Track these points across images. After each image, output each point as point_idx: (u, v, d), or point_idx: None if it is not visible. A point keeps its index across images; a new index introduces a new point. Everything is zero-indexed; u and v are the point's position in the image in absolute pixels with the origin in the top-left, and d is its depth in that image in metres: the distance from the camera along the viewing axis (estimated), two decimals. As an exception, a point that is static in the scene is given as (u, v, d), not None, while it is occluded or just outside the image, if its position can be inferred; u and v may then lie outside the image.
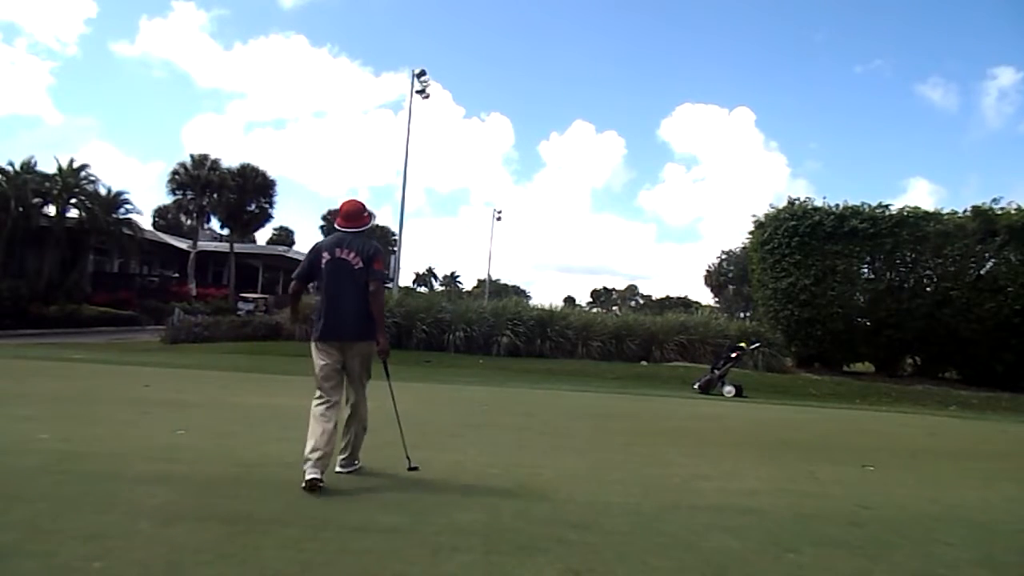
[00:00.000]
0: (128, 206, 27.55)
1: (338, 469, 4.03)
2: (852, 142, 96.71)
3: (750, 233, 19.06)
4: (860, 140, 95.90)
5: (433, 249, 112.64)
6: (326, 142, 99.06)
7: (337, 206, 5.56)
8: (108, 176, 70.85)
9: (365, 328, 3.89)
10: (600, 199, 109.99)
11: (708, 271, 59.22)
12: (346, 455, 4.07)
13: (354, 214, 4.04)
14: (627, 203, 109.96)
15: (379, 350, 3.99)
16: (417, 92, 24.62)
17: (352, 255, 3.89)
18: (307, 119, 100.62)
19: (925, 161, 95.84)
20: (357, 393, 4.02)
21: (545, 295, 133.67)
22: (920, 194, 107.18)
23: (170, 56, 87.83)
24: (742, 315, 37.38)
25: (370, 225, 4.08)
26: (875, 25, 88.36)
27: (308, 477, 3.58)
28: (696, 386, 12.49)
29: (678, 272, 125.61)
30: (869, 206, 16.86)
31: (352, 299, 3.87)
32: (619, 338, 16.69)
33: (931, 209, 16.84)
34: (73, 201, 25.74)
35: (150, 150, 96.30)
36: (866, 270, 17.03)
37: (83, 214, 25.82)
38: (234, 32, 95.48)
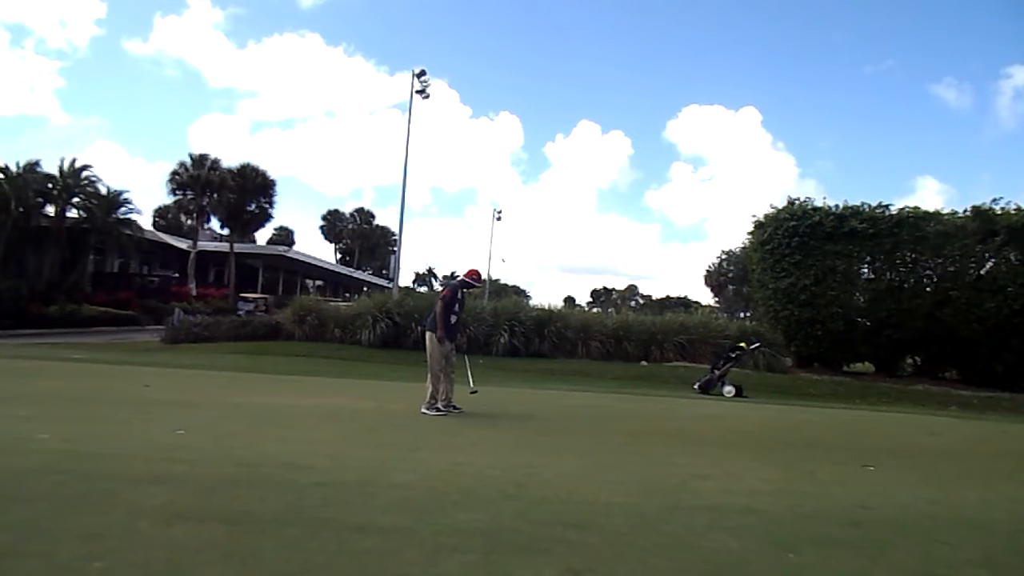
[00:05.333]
0: (129, 206, 27.59)
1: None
2: (863, 142, 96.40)
3: (750, 233, 19.06)
4: (871, 140, 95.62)
5: (438, 249, 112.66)
6: (335, 142, 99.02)
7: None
8: (113, 176, 71.05)
9: (428, 325, 7.33)
10: (606, 199, 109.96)
11: (708, 271, 59.31)
12: (426, 398, 7.15)
13: (468, 274, 7.58)
14: (633, 203, 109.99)
15: (437, 337, 7.11)
16: (417, 92, 24.62)
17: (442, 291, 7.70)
18: (318, 118, 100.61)
19: (937, 161, 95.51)
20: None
21: (546, 295, 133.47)
22: (928, 193, 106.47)
23: (183, 54, 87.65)
24: (742, 315, 37.39)
25: (459, 279, 7.67)
26: (886, 26, 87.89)
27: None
28: (696, 386, 12.50)
29: (682, 272, 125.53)
30: (869, 206, 16.84)
31: (429, 311, 7.56)
32: (619, 338, 16.67)
33: (936, 209, 16.91)
34: (74, 201, 25.75)
35: (157, 150, 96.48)
36: (866, 270, 17.00)
37: (83, 214, 25.82)
38: (249, 30, 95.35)
